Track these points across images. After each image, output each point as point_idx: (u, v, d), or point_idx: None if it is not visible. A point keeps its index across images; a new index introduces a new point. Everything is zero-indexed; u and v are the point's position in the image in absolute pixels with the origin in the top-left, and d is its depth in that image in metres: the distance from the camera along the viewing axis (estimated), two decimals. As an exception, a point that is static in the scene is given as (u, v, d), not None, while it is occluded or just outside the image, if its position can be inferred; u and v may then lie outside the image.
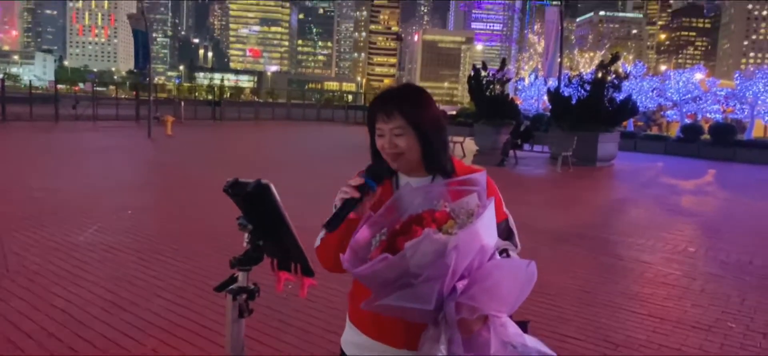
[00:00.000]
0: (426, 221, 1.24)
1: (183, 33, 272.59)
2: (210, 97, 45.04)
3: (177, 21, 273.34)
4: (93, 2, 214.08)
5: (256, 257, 1.38)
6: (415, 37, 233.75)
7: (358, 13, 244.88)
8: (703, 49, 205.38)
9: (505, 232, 1.47)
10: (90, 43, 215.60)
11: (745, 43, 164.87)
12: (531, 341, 1.26)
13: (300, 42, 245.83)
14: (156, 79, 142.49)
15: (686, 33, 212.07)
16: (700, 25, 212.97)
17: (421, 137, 1.43)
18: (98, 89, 36.68)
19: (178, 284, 4.43)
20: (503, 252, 1.40)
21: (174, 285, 4.39)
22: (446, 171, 1.50)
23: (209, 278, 4.48)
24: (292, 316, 3.87)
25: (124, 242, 5.56)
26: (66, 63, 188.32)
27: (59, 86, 33.60)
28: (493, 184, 1.45)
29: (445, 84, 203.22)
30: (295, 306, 4.02)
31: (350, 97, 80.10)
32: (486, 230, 1.22)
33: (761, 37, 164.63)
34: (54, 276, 4.49)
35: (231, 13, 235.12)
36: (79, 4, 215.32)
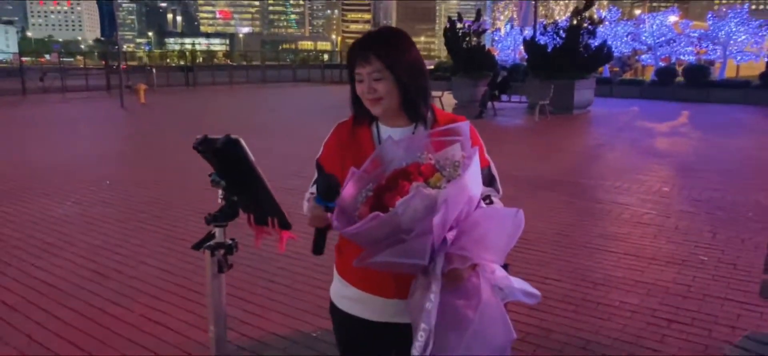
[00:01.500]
0: (413, 175, 1.24)
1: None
2: (182, 63, 44.00)
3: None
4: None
5: (231, 212, 1.38)
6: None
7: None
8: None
9: (487, 178, 1.48)
10: (52, 11, 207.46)
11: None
12: (517, 282, 1.31)
13: (271, 1, 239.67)
14: (125, 47, 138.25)
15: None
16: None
17: (398, 81, 1.40)
18: (65, 59, 35.48)
19: (163, 250, 4.43)
20: (486, 198, 1.42)
21: (158, 251, 4.39)
22: (427, 120, 1.48)
23: (193, 242, 4.48)
24: (277, 274, 3.91)
25: (104, 213, 5.51)
26: (29, 34, 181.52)
27: (24, 59, 32.46)
28: (475, 132, 1.44)
29: (422, 38, 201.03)
30: (280, 263, 4.07)
31: (326, 56, 78.84)
32: (473, 180, 1.23)
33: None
34: (35, 249, 4.46)
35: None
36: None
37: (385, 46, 1.41)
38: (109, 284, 3.76)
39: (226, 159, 1.28)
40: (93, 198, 6.11)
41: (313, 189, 1.47)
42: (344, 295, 1.55)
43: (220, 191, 1.37)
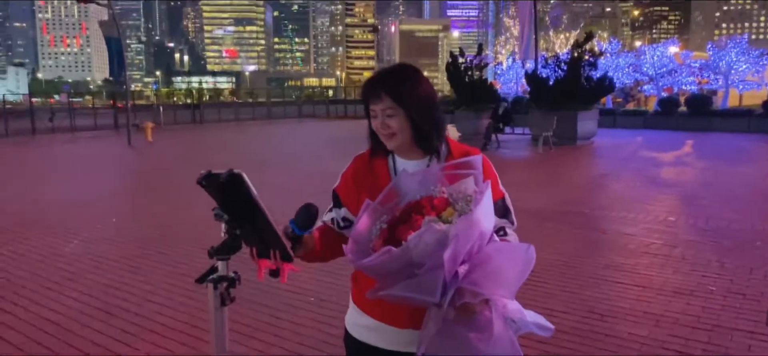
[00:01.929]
0: (425, 208, 1.26)
1: (157, 38, 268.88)
2: (189, 101, 44.59)
3: (150, 26, 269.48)
4: (63, 11, 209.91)
5: (234, 246, 1.40)
6: (392, 28, 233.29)
7: (332, 7, 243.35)
8: (676, 23, 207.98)
9: (501, 210, 1.50)
10: (62, 53, 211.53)
11: (717, 14, 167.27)
12: (530, 315, 1.32)
13: (276, 40, 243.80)
14: (133, 86, 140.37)
15: (659, 7, 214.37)
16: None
17: (409, 116, 1.44)
18: (74, 99, 36.06)
19: (168, 287, 4.43)
20: (500, 230, 1.44)
21: (164, 288, 4.39)
22: (440, 153, 1.51)
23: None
24: (282, 310, 3.90)
25: (110, 250, 5.53)
26: (39, 75, 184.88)
27: (34, 100, 32.99)
28: (489, 164, 1.48)
29: (425, 73, 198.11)
30: (286, 299, 4.06)
31: (331, 92, 79.79)
32: (484, 215, 1.24)
33: (732, 7, 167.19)
34: (41, 287, 4.47)
35: (204, 15, 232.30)
36: (49, 15, 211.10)
37: (396, 84, 1.44)
38: (114, 322, 3.75)
39: (229, 193, 1.31)
40: (99, 236, 6.14)
41: (329, 216, 1.57)
42: (359, 323, 1.57)
43: (223, 225, 1.39)
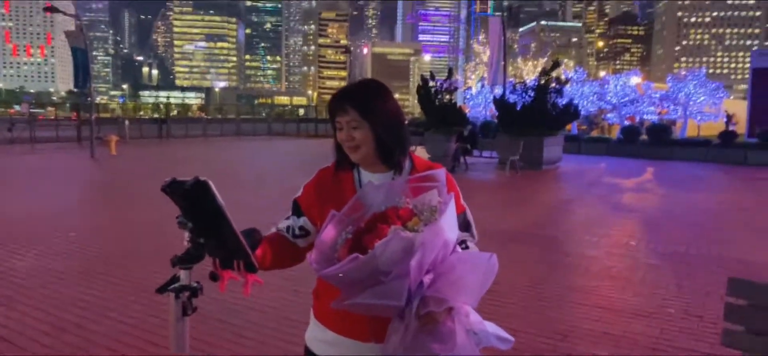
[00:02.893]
0: (391, 218, 1.28)
1: (126, 51, 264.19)
2: (156, 115, 43.81)
3: (119, 39, 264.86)
4: (27, 20, 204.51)
5: (197, 255, 1.37)
6: (365, 50, 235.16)
7: (306, 26, 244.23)
8: (638, 55, 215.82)
9: (463, 224, 1.53)
10: (25, 63, 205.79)
11: (677, 48, 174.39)
12: (491, 327, 1.34)
13: (248, 57, 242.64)
14: (98, 98, 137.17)
15: (622, 40, 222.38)
16: (635, 32, 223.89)
17: (374, 130, 1.47)
18: (35, 110, 34.99)
19: (127, 302, 4.29)
20: (462, 243, 1.47)
21: (122, 304, 4.25)
22: (403, 167, 1.53)
23: (159, 295, 4.36)
24: (246, 327, 3.82)
25: (67, 265, 5.34)
26: (0, 85, 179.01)
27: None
28: (452, 179, 1.51)
29: (396, 95, 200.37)
30: (249, 317, 3.98)
31: (302, 111, 79.68)
32: (449, 225, 1.27)
33: (691, 42, 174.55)
34: (-10, 302, 4.27)
35: (175, 29, 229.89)
36: (11, 23, 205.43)
37: (363, 98, 1.47)
38: (66, 338, 3.61)
39: (194, 201, 1.28)
40: (57, 250, 5.93)
41: (285, 223, 1.57)
42: (320, 339, 1.56)
43: (186, 233, 1.36)
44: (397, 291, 1.19)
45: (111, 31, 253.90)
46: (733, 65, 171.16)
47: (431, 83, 19.19)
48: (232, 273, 1.37)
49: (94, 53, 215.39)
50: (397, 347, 1.24)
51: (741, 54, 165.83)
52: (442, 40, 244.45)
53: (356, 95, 1.49)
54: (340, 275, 1.23)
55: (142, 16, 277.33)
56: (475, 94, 44.94)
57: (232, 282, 1.42)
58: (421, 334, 1.23)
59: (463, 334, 1.26)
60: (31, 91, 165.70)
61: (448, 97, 19.09)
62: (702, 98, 29.84)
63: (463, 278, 1.25)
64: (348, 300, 1.23)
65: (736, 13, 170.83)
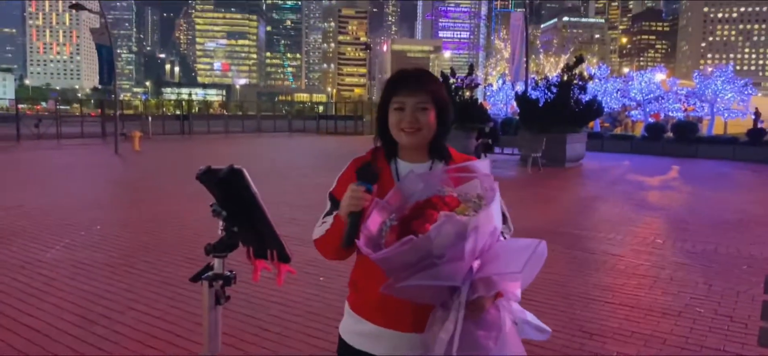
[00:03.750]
0: (439, 205, 1.29)
1: (148, 48, 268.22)
2: (178, 112, 44.37)
3: (142, 36, 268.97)
4: (54, 18, 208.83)
5: (230, 243, 1.37)
6: (384, 47, 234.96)
7: (325, 24, 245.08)
8: (663, 51, 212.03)
9: (501, 215, 1.51)
10: (52, 60, 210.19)
11: (703, 44, 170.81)
12: (530, 316, 1.38)
13: (268, 54, 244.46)
14: (122, 95, 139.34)
15: (646, 36, 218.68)
16: (660, 28, 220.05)
17: (440, 114, 1.48)
18: (61, 107, 35.72)
19: (152, 295, 4.34)
20: (501, 235, 1.46)
21: (147, 297, 4.30)
22: (445, 155, 1.54)
23: (183, 288, 4.41)
24: (270, 322, 3.83)
25: (93, 258, 5.43)
26: (27, 82, 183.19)
27: (20, 106, 32.63)
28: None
29: None
30: (273, 311, 3.99)
31: (321, 108, 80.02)
32: (497, 213, 1.29)
33: (718, 38, 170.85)
34: (21, 293, 4.36)
35: (197, 27, 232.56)
36: (39, 22, 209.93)
37: (432, 81, 1.50)
38: (95, 329, 3.66)
39: (229, 189, 1.28)
40: (83, 243, 6.03)
41: (326, 219, 1.50)
42: (357, 331, 1.52)
43: (220, 222, 1.36)
44: (454, 273, 1.20)
45: (134, 29, 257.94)
46: (761, 62, 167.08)
47: (452, 80, 19.09)
48: (266, 262, 1.37)
49: (118, 51, 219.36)
50: (439, 336, 1.23)
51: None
52: (463, 36, 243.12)
53: (427, 78, 1.49)
54: (394, 258, 1.22)
55: (165, 14, 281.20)
56: (496, 90, 44.61)
57: (265, 273, 1.41)
58: (466, 322, 1.23)
59: (508, 322, 1.27)
60: (58, 88, 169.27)
61: (468, 93, 18.97)
62: (729, 95, 29.16)
63: (512, 264, 1.26)
64: (400, 283, 1.22)
65: (764, 9, 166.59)
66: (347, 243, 1.36)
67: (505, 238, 1.46)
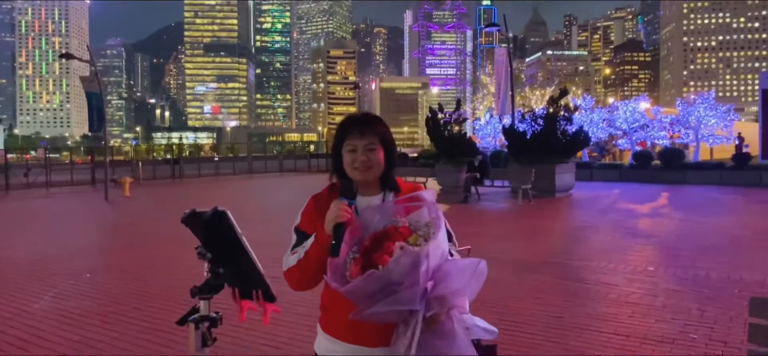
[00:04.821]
0: (393, 236, 1.45)
1: (139, 94, 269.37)
2: (169, 156, 44.36)
3: (132, 82, 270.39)
4: (44, 67, 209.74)
5: (216, 285, 1.39)
6: (373, 86, 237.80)
7: (314, 65, 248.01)
8: (646, 81, 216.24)
9: (447, 235, 1.68)
10: (41, 109, 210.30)
11: (685, 72, 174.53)
12: (479, 320, 1.56)
13: (258, 96, 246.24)
14: (112, 141, 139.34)
15: (629, 67, 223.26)
16: (641, 58, 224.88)
17: (387, 152, 1.67)
18: (51, 155, 35.58)
19: (143, 342, 4.28)
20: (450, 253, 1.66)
21: (138, 344, 4.24)
22: (394, 187, 1.72)
23: (174, 333, 4.35)
24: (262, 365, 3.78)
25: (83, 306, 5.35)
26: (16, 131, 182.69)
27: (9, 156, 32.48)
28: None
29: (405, 129, 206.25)
30: (262, 351, 3.94)
31: (312, 147, 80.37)
32: (444, 238, 1.49)
33: (699, 66, 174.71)
34: (8, 345, 4.28)
35: (187, 72, 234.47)
36: (29, 71, 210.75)
37: (379, 123, 1.70)
38: (84, 380, 3.59)
39: (213, 231, 1.30)
40: (72, 291, 5.95)
41: (296, 249, 1.63)
42: (330, 351, 1.66)
43: (206, 264, 1.37)
44: (412, 297, 1.37)
45: (124, 76, 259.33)
46: (742, 88, 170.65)
47: (440, 115, 19.29)
48: (251, 302, 1.38)
49: (108, 97, 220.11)
50: (404, 348, 1.40)
51: (750, 76, 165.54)
52: (449, 72, 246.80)
53: (374, 121, 1.69)
54: (359, 290, 1.38)
55: (155, 60, 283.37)
56: (484, 124, 45.10)
57: (251, 313, 1.42)
58: (425, 334, 1.41)
59: (460, 330, 1.46)
60: (47, 136, 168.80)
61: (456, 128, 19.16)
62: (713, 121, 29.68)
63: (459, 281, 1.45)
64: (367, 311, 1.38)
65: (742, 37, 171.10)
66: (334, 253, 1.50)
67: (452, 254, 1.61)
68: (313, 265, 1.56)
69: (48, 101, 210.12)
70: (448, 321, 1.44)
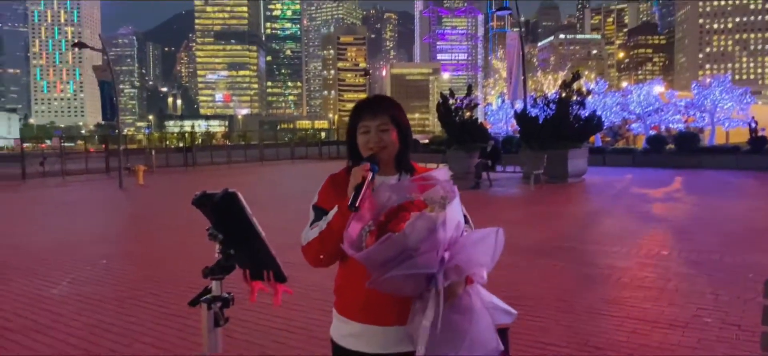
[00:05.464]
0: (409, 208, 1.49)
1: (151, 83, 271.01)
2: (181, 144, 44.65)
3: (144, 71, 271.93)
4: (57, 56, 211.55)
5: (228, 266, 1.41)
6: (383, 72, 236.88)
7: (325, 52, 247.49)
8: (660, 64, 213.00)
9: (463, 217, 1.69)
10: (55, 99, 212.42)
11: (700, 55, 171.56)
12: (497, 300, 1.57)
13: (269, 84, 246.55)
14: (125, 130, 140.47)
15: (643, 50, 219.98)
16: (656, 41, 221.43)
17: (400, 133, 1.69)
18: (66, 144, 36.02)
19: (159, 327, 4.35)
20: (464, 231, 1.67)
21: (153, 329, 4.31)
22: (410, 168, 1.74)
23: (189, 318, 4.41)
24: (272, 348, 3.83)
25: (99, 292, 5.44)
26: (31, 121, 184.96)
27: (25, 145, 32.91)
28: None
29: (417, 115, 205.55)
30: (275, 337, 3.99)
31: (323, 134, 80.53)
32: (458, 209, 1.52)
33: (715, 48, 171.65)
34: (26, 329, 4.37)
35: (198, 60, 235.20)
36: (43, 61, 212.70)
37: (390, 106, 1.72)
38: (102, 363, 3.66)
39: (224, 212, 1.32)
40: (88, 277, 6.05)
41: (315, 225, 1.64)
42: (347, 332, 1.66)
43: (217, 245, 1.39)
44: (428, 262, 1.38)
45: (136, 65, 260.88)
46: (759, 71, 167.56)
47: (451, 101, 19.17)
48: (262, 283, 1.40)
49: (121, 86, 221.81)
50: (422, 324, 1.39)
51: (767, 59, 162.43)
52: (461, 58, 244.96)
53: (386, 103, 1.71)
54: (375, 255, 1.38)
55: (166, 48, 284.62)
56: (496, 109, 44.82)
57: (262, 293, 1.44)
58: (444, 307, 1.40)
59: (479, 304, 1.47)
60: (62, 125, 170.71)
61: (468, 113, 19.04)
62: (729, 105, 29.24)
63: (476, 251, 1.46)
64: (383, 276, 1.37)
65: (759, 18, 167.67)
66: (351, 207, 1.49)
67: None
68: (335, 236, 1.55)
69: (62, 91, 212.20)
70: (465, 297, 1.45)
